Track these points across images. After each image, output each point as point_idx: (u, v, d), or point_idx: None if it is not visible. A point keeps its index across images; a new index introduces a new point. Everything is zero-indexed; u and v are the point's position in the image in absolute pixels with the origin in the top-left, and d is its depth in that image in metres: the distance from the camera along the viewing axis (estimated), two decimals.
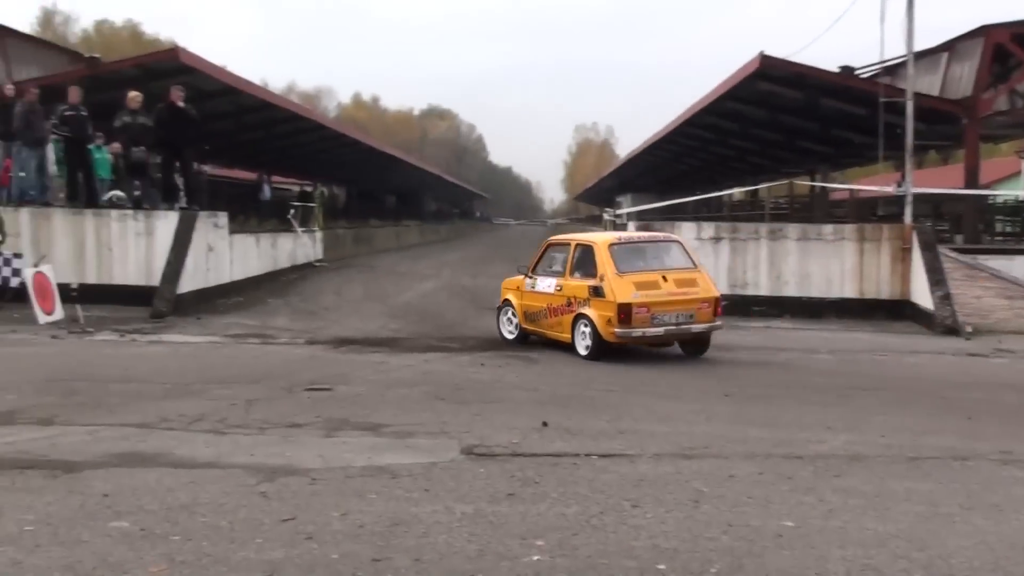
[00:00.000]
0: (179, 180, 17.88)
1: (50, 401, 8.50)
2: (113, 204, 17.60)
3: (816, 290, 17.07)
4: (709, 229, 17.48)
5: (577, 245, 12.68)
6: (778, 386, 9.98)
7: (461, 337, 13.60)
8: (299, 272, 23.60)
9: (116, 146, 18.11)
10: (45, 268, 14.57)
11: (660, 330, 11.70)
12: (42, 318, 14.02)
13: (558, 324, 12.51)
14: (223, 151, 33.69)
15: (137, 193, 17.70)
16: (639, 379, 10.30)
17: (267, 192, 34.17)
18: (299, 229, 25.00)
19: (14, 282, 14.91)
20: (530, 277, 13.36)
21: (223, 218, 18.09)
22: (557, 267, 12.90)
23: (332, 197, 39.14)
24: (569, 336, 12.21)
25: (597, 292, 11.85)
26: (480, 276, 23.52)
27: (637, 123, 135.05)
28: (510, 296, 13.78)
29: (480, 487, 6.04)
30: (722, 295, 17.10)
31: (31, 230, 16.47)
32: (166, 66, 20.61)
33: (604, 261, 11.98)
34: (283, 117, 29.00)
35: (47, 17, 78.38)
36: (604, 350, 11.77)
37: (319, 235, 27.13)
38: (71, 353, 11.69)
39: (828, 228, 17.64)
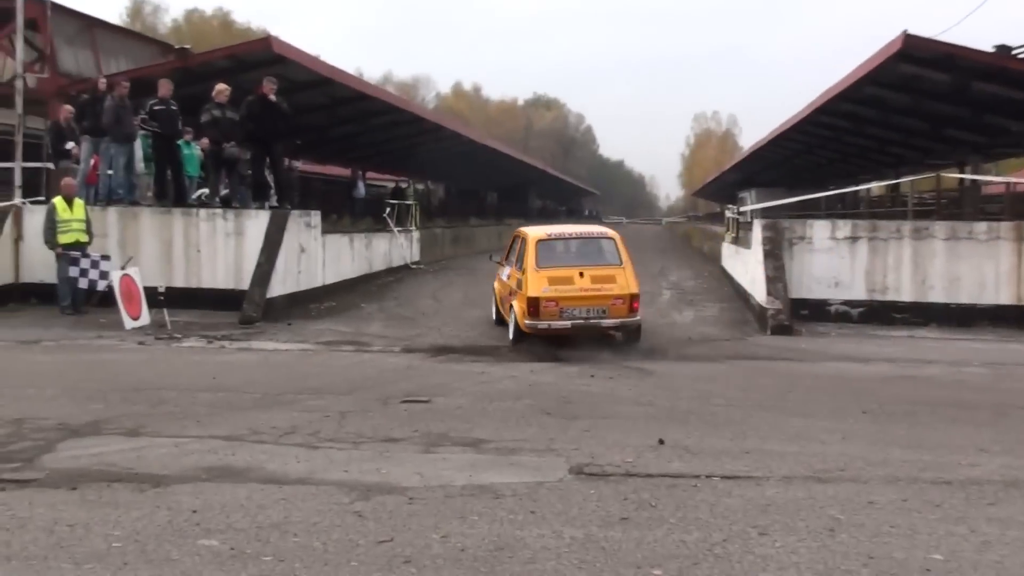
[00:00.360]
0: (269, 177, 18.27)
1: (137, 411, 8.77)
2: (202, 203, 18.07)
3: (966, 295, 16.54)
4: (845, 228, 17.08)
5: (523, 239, 14.63)
6: (923, 402, 9.72)
7: (570, 347, 13.58)
8: (395, 275, 23.93)
9: (205, 141, 18.56)
10: (132, 271, 15.04)
11: (567, 324, 13.54)
12: (128, 323, 14.49)
13: (508, 311, 14.50)
14: (315, 146, 34.30)
15: (225, 191, 18.13)
16: (765, 393, 10.14)
17: (361, 189, 34.81)
18: (395, 229, 25.38)
19: (101, 285, 15.43)
20: (501, 265, 15.64)
21: (315, 217, 18.45)
22: (513, 257, 15.01)
23: (428, 194, 39.64)
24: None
25: (520, 284, 13.89)
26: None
27: (762, 112, 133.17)
28: (495, 282, 16.17)
29: (591, 510, 6.02)
30: (858, 300, 16.79)
31: (118, 230, 17.05)
32: (258, 56, 21.01)
33: (529, 255, 14.08)
34: (379, 109, 29.34)
35: (136, 7, 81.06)
36: (523, 338, 13.72)
37: (416, 235, 27.50)
38: (158, 360, 12.04)
39: (981, 226, 17.05)
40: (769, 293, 16.04)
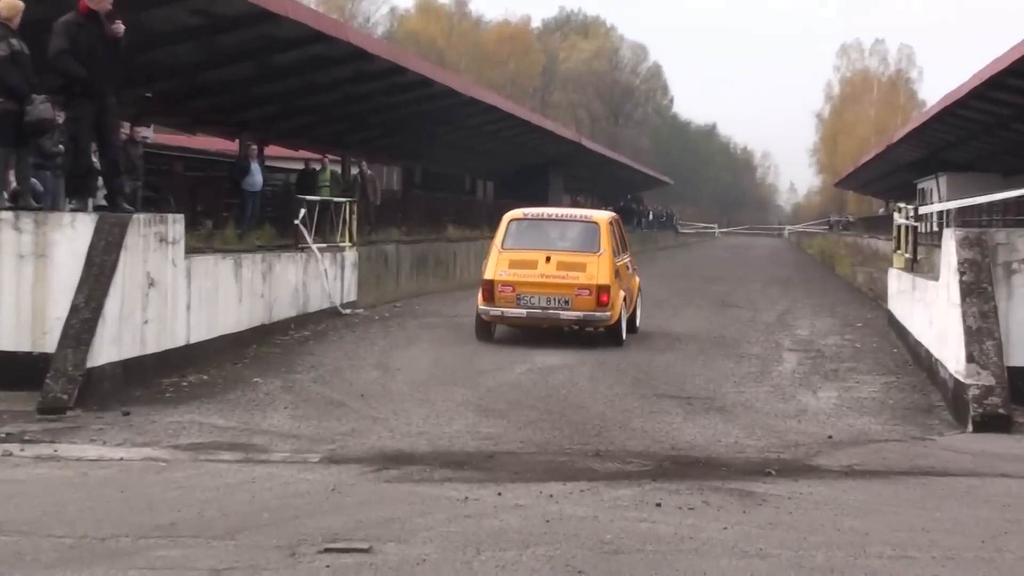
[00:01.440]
0: (96, 157, 18.21)
1: None
2: None
3: None
4: None
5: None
6: None
7: (618, 452, 13.60)
8: (313, 326, 24.08)
9: None
10: None
11: (523, 312, 21.38)
12: None
13: None
14: (177, 102, 34.38)
15: (14, 184, 18.05)
16: (964, 537, 10.07)
17: (257, 176, 34.62)
18: (314, 246, 25.32)
19: None
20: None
21: (176, 226, 18.39)
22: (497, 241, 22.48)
23: (362, 182, 39.33)
24: None
25: (484, 268, 21.88)
26: (654, 337, 23.43)
27: (959, 43, 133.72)
28: None
29: None
30: None
31: None
32: None
33: (499, 234, 22.17)
34: (288, 38, 29.34)
35: None
36: (483, 330, 22.09)
37: (350, 256, 27.54)
38: None
39: None
40: (970, 358, 15.95)
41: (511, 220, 22.35)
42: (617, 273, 21.85)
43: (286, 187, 37.04)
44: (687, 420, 15.75)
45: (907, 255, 24.22)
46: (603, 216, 22.90)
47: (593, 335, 22.06)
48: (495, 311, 21.30)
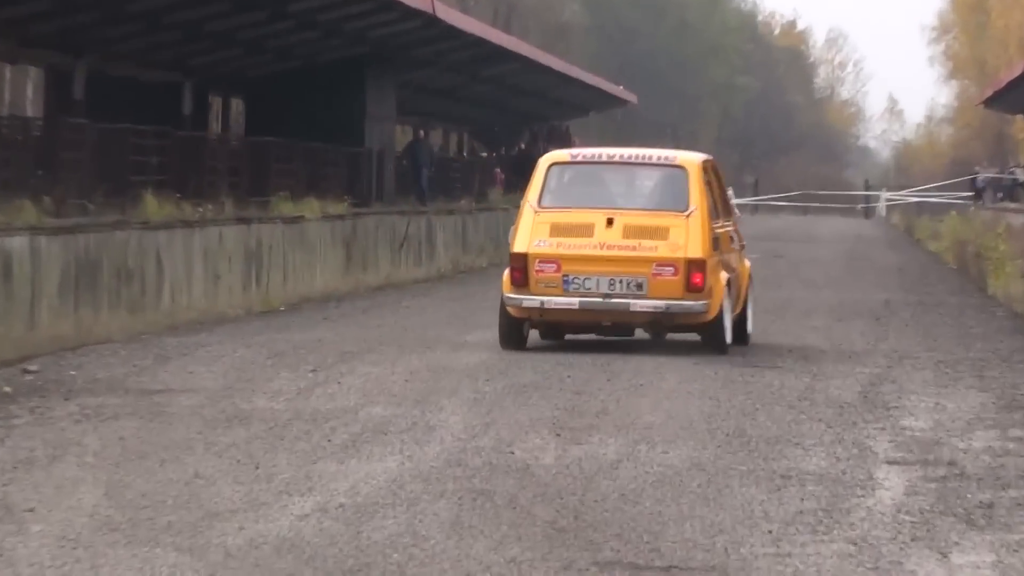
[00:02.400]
0: None
1: None
2: None
3: None
4: None
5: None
6: None
7: None
8: None
9: None
10: None
11: (573, 302, 24.19)
12: None
13: None
14: None
15: None
16: None
17: None
18: None
19: None
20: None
21: None
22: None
23: None
24: None
25: (512, 237, 24.80)
26: (594, 432, 20.21)
27: None
28: None
29: None
30: None
31: None
32: None
33: (533, 188, 25.40)
34: None
35: None
36: (511, 333, 24.75)
37: None
38: None
39: None
40: None
41: (552, 164, 24.93)
42: (716, 243, 23.96)
43: None
44: None
45: None
46: (693, 158, 25.02)
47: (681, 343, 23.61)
48: (531, 301, 23.34)
